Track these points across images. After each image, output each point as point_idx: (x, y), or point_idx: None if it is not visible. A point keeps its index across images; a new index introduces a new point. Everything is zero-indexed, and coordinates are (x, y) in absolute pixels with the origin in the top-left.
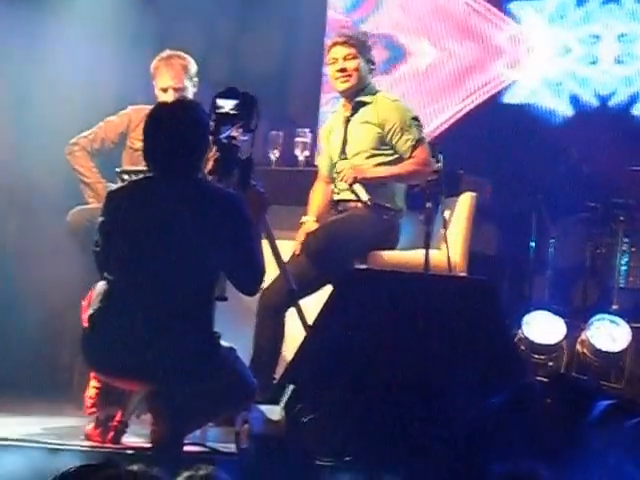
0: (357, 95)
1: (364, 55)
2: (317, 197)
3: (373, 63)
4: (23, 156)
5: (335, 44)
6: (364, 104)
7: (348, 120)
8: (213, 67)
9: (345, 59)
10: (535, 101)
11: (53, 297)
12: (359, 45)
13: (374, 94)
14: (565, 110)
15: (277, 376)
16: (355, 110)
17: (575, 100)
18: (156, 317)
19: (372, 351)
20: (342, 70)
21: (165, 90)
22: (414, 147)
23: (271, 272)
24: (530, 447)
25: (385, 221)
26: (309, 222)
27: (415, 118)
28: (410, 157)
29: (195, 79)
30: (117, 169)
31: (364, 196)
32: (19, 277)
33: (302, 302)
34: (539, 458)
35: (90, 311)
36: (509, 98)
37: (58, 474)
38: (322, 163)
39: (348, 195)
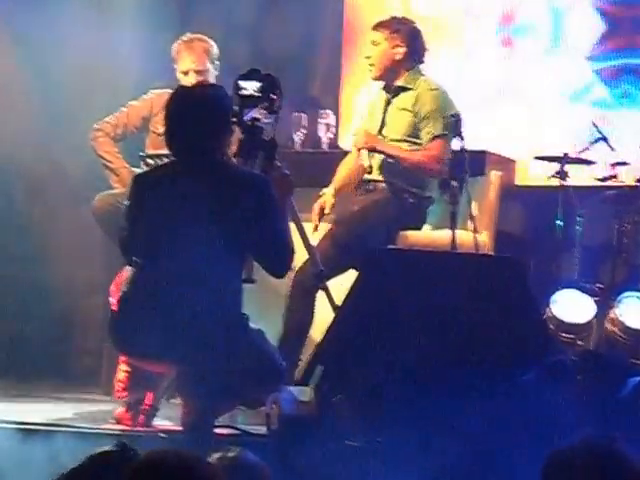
0: (395, 79)
1: (391, 41)
2: (343, 169)
3: (412, 49)
4: (47, 142)
5: (372, 28)
6: (405, 89)
7: (388, 102)
8: (235, 50)
9: (372, 44)
10: None
11: (79, 283)
12: (387, 31)
13: (417, 80)
14: None
15: (305, 357)
16: (396, 93)
17: None
18: (185, 300)
19: (401, 330)
20: (368, 57)
21: (187, 73)
22: (432, 139)
23: (302, 254)
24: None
25: (411, 204)
26: (327, 195)
27: (451, 114)
28: (426, 149)
29: (217, 62)
30: (141, 153)
31: (366, 162)
32: (45, 263)
33: (330, 283)
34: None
35: (119, 295)
36: None
37: (85, 459)
38: (359, 131)
39: (379, 176)
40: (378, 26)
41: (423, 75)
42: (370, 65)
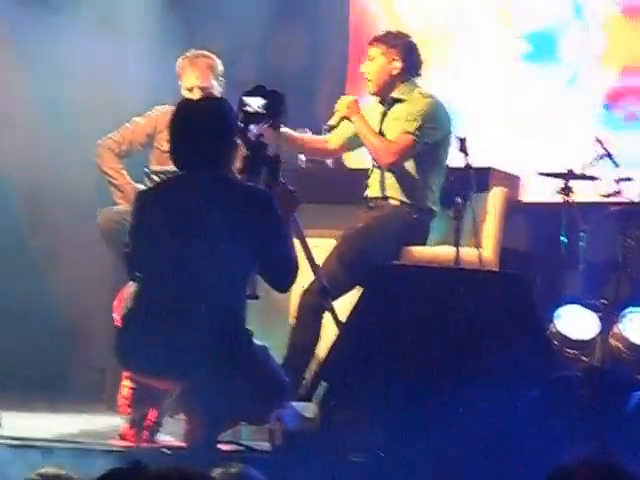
0: (391, 92)
1: (387, 56)
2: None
3: (408, 63)
4: (52, 158)
5: (368, 44)
6: (400, 101)
7: (384, 114)
8: (240, 66)
9: (369, 60)
10: None
11: (83, 298)
12: (383, 46)
13: (412, 91)
14: None
15: (309, 374)
16: (390, 106)
17: None
18: (188, 316)
19: (405, 346)
20: (364, 72)
21: (191, 89)
22: (401, 134)
23: (307, 272)
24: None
25: (414, 219)
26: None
27: (434, 118)
28: (391, 141)
29: (221, 78)
30: (145, 170)
31: (334, 121)
32: (48, 279)
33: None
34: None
35: (123, 311)
36: None
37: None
38: (342, 132)
39: (380, 192)
40: (374, 41)
41: (418, 87)
42: (367, 80)
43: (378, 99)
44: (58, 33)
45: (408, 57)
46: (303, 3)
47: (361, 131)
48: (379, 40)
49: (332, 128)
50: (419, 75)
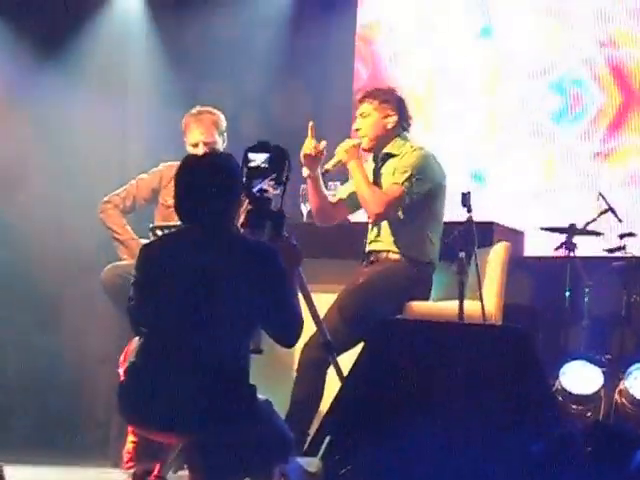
0: (383, 148)
1: (381, 111)
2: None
3: (401, 117)
4: (57, 213)
5: (358, 101)
6: (392, 156)
7: (376, 171)
8: (244, 122)
9: (361, 116)
10: None
11: (88, 353)
12: (375, 102)
13: (403, 145)
14: None
15: (313, 429)
16: (383, 162)
17: None
18: (192, 370)
19: (408, 401)
20: (357, 129)
21: (196, 145)
22: (391, 185)
23: (309, 326)
24: None
25: (416, 274)
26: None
27: (424, 170)
28: (382, 192)
29: (225, 134)
30: (150, 225)
31: (330, 165)
32: (54, 334)
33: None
34: None
35: (126, 365)
36: None
37: None
38: (344, 190)
39: (380, 246)
40: (366, 97)
41: (409, 141)
42: (361, 137)
43: (372, 156)
44: (66, 95)
45: (401, 111)
46: (307, 60)
47: (355, 177)
48: (371, 96)
49: (327, 172)
50: (409, 128)
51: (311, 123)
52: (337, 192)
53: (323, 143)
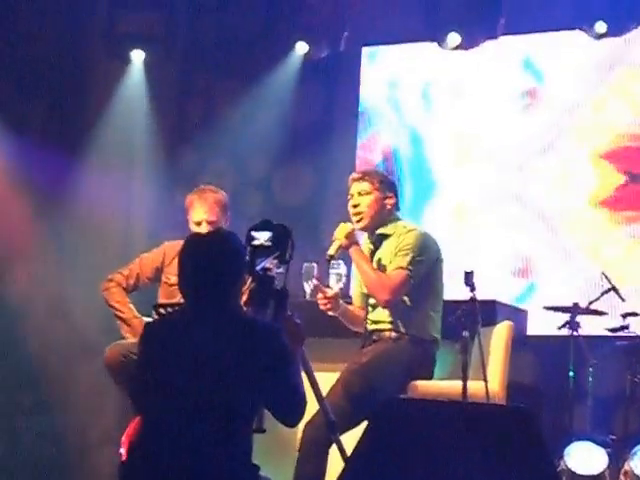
0: (378, 228)
1: (381, 191)
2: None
3: (394, 198)
4: (60, 292)
5: (352, 180)
6: (386, 236)
7: (373, 253)
8: (247, 201)
9: (359, 195)
10: None
11: (91, 433)
12: (375, 181)
13: (396, 225)
14: None
15: None
16: (379, 242)
17: None
18: (195, 449)
19: None
20: (355, 206)
21: (199, 223)
22: (394, 269)
23: (312, 406)
24: None
25: (419, 351)
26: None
27: (423, 250)
28: (387, 276)
29: (228, 213)
30: (153, 304)
31: (333, 251)
32: (57, 414)
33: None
34: None
35: (128, 444)
36: None
37: None
38: (354, 292)
39: (381, 326)
40: (365, 176)
41: (401, 220)
42: (358, 214)
43: (366, 235)
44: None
45: (396, 193)
46: (310, 139)
47: (359, 264)
48: (369, 175)
49: (332, 258)
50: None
51: (316, 283)
52: (352, 294)
53: (330, 291)
